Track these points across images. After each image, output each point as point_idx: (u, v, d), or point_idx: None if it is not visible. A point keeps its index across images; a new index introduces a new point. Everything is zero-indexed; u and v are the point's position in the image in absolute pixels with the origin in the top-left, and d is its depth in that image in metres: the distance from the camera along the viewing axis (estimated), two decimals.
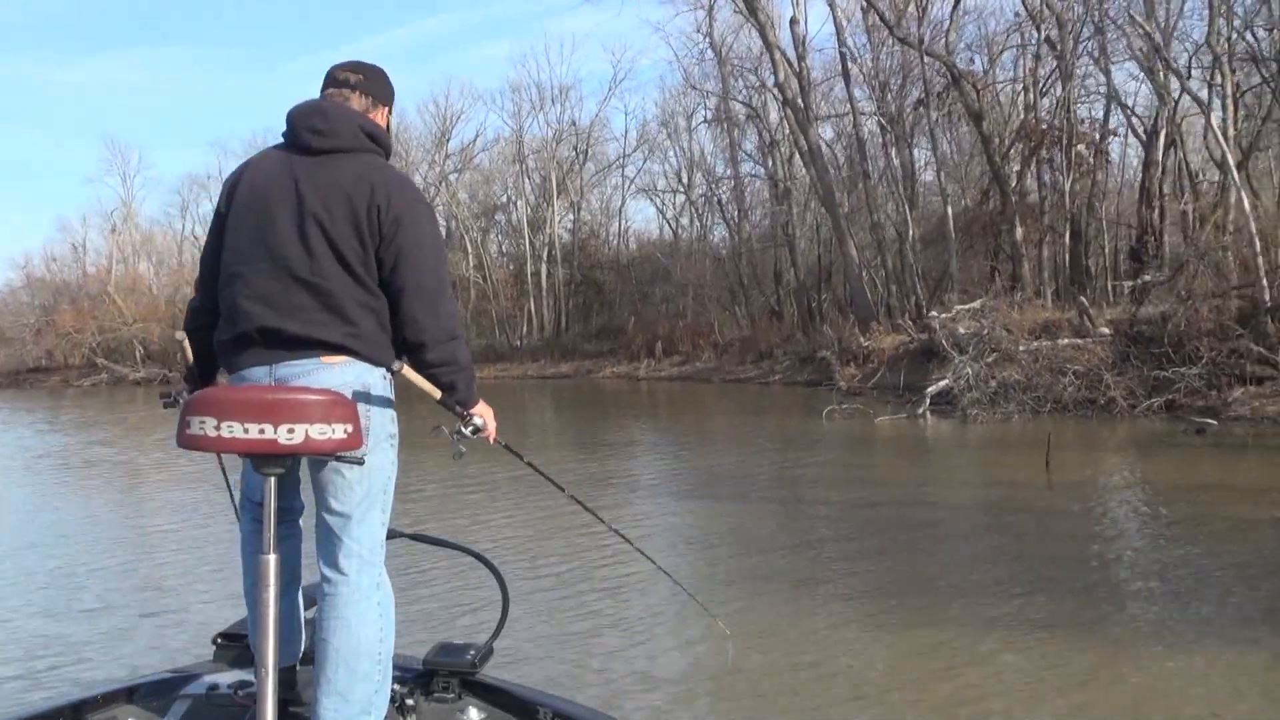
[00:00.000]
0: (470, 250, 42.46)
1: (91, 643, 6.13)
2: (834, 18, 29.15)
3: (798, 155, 33.60)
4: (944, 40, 27.95)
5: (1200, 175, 28.40)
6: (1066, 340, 18.10)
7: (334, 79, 2.64)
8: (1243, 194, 15.88)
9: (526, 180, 44.64)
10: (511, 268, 44.31)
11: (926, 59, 27.46)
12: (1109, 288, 26.36)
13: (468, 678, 2.70)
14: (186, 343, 2.64)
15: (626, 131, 50.00)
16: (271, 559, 2.31)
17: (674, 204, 43.25)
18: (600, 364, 35.90)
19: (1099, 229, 29.51)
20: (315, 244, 2.42)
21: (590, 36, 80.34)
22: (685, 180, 41.67)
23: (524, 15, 74.29)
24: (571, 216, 44.32)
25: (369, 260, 2.45)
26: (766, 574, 7.35)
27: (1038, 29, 27.58)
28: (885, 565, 7.56)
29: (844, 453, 14.57)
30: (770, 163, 36.61)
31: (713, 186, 40.46)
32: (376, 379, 2.48)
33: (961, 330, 19.66)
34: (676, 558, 7.92)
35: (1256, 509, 9.04)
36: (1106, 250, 30.36)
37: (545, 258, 42.03)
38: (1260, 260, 14.84)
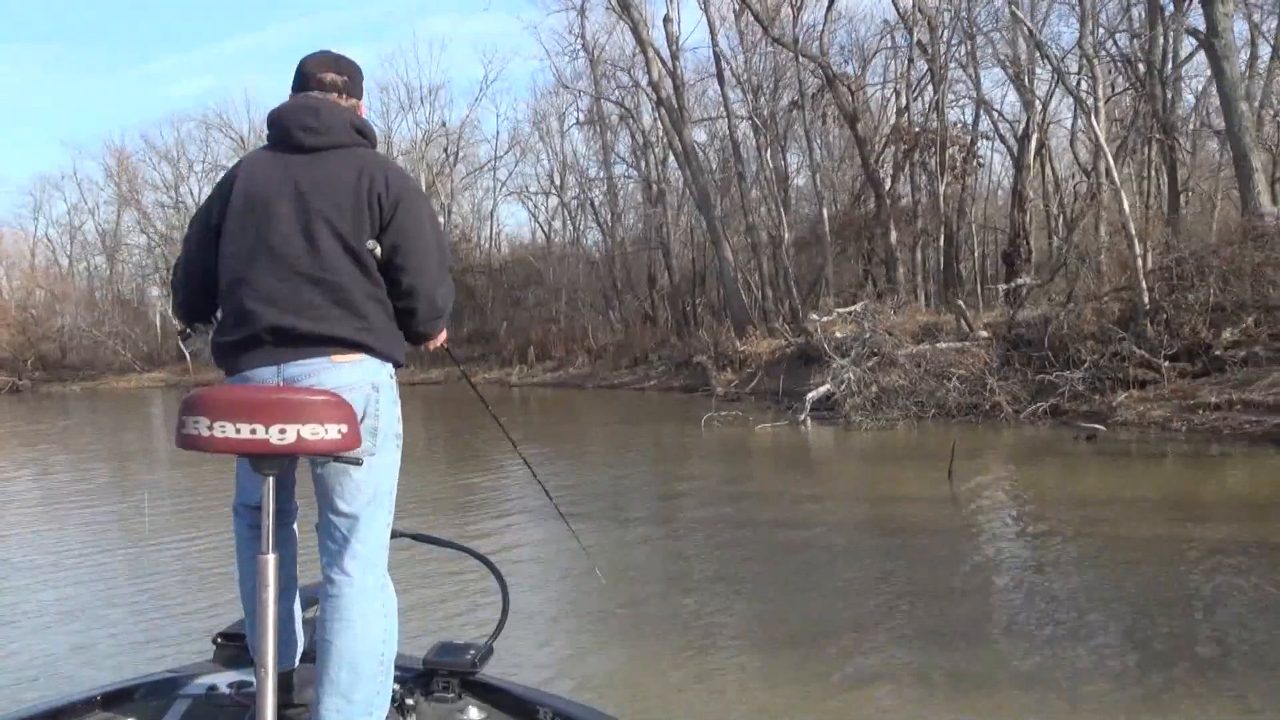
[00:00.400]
0: None
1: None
2: (707, 18, 28.69)
3: (672, 157, 33.06)
4: (818, 43, 27.69)
5: (1069, 179, 28.94)
6: (947, 344, 17.77)
7: (314, 76, 2.59)
8: (1121, 193, 15.73)
9: None
10: None
11: (801, 60, 27.16)
12: (979, 291, 26.53)
13: (468, 677, 2.67)
14: (182, 342, 2.63)
15: (498, 133, 49.11)
16: (271, 559, 2.28)
17: (546, 207, 42.43)
18: (472, 370, 34.63)
19: (969, 233, 29.78)
20: (322, 240, 2.39)
21: (460, 37, 78.60)
22: (558, 183, 40.80)
23: (395, 16, 72.27)
24: (442, 219, 42.89)
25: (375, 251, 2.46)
26: (630, 615, 6.49)
27: (910, 32, 27.59)
28: (769, 602, 6.79)
29: (726, 465, 13.82)
30: (644, 165, 36.00)
31: (585, 189, 39.66)
32: (385, 377, 2.46)
33: (839, 334, 19.23)
34: (537, 594, 6.99)
35: (1155, 525, 8.65)
36: (976, 254, 30.71)
37: None
38: (1140, 262, 14.67)
